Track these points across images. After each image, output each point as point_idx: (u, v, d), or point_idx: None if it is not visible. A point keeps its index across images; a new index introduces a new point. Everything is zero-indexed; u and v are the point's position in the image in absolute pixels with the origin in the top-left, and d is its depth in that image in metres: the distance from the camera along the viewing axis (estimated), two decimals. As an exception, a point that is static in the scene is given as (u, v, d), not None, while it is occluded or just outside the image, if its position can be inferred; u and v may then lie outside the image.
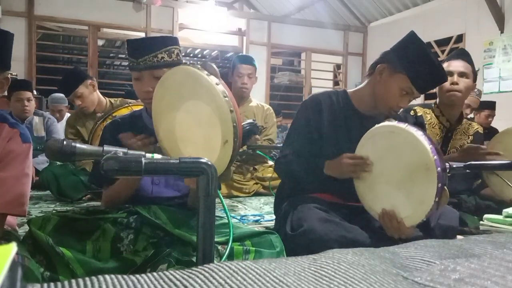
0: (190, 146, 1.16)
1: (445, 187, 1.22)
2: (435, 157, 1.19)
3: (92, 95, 2.82)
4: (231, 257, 1.17)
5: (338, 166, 1.43)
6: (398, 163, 1.28)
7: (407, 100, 1.52)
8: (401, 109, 1.53)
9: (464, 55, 2.15)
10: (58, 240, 1.12)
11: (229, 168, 1.12)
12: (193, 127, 1.15)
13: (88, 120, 2.89)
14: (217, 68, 1.12)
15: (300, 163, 1.55)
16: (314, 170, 1.51)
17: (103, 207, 1.42)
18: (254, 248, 1.23)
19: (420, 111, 2.15)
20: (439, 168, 1.18)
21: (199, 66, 1.11)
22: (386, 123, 1.37)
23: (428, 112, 2.17)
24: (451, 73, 2.07)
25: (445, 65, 2.12)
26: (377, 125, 1.38)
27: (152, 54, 1.28)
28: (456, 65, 2.09)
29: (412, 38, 1.51)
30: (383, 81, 1.52)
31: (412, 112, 2.15)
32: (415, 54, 1.47)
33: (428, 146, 1.20)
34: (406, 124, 1.29)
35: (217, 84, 1.07)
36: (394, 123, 1.34)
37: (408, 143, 1.24)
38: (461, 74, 2.06)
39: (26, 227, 1.88)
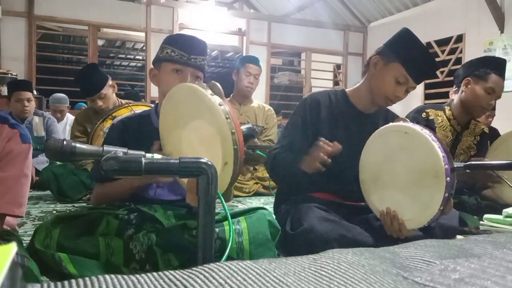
0: None
1: (451, 197, 1.21)
2: (446, 166, 1.17)
3: (113, 96, 2.75)
4: (223, 241, 1.18)
5: (308, 158, 1.39)
6: (408, 165, 1.27)
7: (403, 90, 1.51)
8: (399, 99, 1.52)
9: (504, 69, 2.08)
10: (70, 245, 1.11)
11: (230, 189, 1.11)
12: (198, 145, 1.14)
13: (99, 119, 2.88)
14: (221, 88, 1.10)
15: (284, 157, 1.51)
16: (292, 165, 1.46)
17: (93, 203, 1.41)
18: (243, 217, 1.24)
19: (432, 114, 2.14)
20: (448, 178, 1.17)
21: (204, 84, 1.10)
22: (401, 122, 1.34)
23: (439, 115, 2.16)
24: (493, 91, 2.03)
25: (492, 78, 2.03)
26: (391, 123, 1.36)
27: (202, 56, 1.40)
28: (501, 86, 2.04)
29: (404, 31, 1.55)
30: (378, 72, 1.54)
31: (424, 114, 2.14)
32: (408, 43, 1.51)
33: (440, 154, 1.18)
34: (422, 127, 1.27)
35: (220, 104, 1.04)
36: (410, 124, 1.31)
37: (421, 147, 1.22)
38: (499, 97, 2.06)
39: (26, 227, 1.90)
